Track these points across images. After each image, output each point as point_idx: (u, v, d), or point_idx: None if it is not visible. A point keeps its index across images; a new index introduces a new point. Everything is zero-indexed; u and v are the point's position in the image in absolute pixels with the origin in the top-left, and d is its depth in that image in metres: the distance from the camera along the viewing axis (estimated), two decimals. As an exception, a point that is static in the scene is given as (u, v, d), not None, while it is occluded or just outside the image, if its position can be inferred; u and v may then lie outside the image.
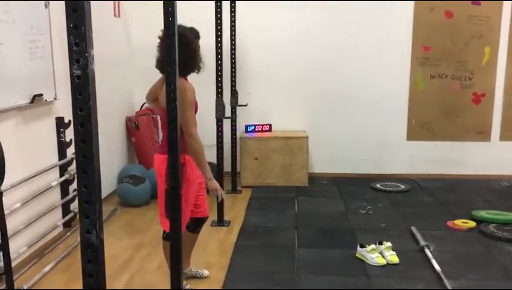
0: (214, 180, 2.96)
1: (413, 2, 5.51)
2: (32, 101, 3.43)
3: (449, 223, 4.19)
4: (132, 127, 5.48)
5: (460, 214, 4.39)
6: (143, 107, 5.74)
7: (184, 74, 2.91)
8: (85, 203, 1.45)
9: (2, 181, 1.68)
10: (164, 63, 2.83)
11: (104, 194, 4.91)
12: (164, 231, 2.96)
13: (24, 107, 3.39)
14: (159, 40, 2.89)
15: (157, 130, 5.70)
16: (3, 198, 2.62)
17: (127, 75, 5.62)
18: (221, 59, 4.14)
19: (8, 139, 3.12)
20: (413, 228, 3.97)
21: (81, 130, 1.39)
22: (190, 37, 2.87)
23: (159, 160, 2.83)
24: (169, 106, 2.49)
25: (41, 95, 3.52)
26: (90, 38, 1.34)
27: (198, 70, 3.01)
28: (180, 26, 2.93)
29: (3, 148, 2.91)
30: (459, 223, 4.15)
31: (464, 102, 5.68)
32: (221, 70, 4.12)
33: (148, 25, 5.64)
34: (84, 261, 1.43)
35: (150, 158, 5.42)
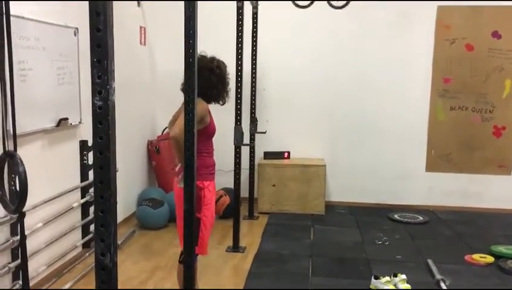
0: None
1: (433, 34, 5.56)
2: (58, 125, 3.57)
3: (467, 257, 4.14)
4: (153, 150, 5.60)
5: (479, 248, 4.32)
6: (164, 132, 5.87)
7: (207, 100, 3.00)
8: (101, 227, 1.53)
9: (24, 204, 1.77)
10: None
11: (123, 216, 5.01)
12: (181, 254, 3.01)
13: (50, 130, 3.53)
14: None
15: (178, 155, 5.81)
16: (26, 218, 2.72)
17: (150, 100, 5.78)
18: (241, 87, 4.24)
19: (34, 160, 3.26)
20: (430, 261, 3.94)
21: (100, 157, 1.48)
22: (215, 68, 2.98)
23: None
24: (186, 133, 2.58)
25: (66, 119, 3.66)
26: (112, 71, 1.44)
27: (224, 102, 3.11)
28: (207, 57, 3.06)
29: (30, 168, 3.04)
30: (477, 257, 4.09)
31: (485, 135, 5.65)
32: (240, 99, 4.22)
33: (172, 52, 5.85)
34: (98, 282, 1.50)
35: (169, 182, 5.54)
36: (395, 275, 3.51)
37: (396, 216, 5.32)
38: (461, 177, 5.67)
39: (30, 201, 3.21)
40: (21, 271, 2.58)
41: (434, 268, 3.79)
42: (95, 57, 1.46)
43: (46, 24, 3.41)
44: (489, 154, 5.64)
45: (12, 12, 2.99)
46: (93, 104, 1.47)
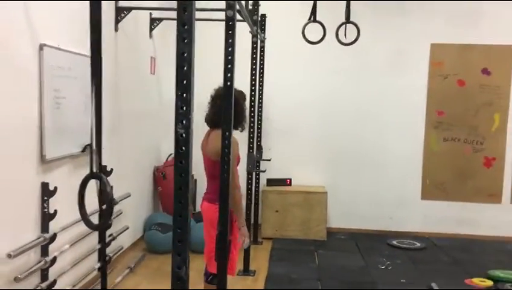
0: (245, 228, 3.20)
1: (427, 70, 5.92)
2: (83, 150, 3.71)
3: (467, 281, 4.36)
4: (160, 176, 5.74)
5: (476, 273, 4.55)
6: (169, 158, 6.02)
7: None
8: (178, 242, 1.71)
9: (109, 221, 1.91)
10: (213, 118, 3.20)
11: (132, 240, 5.09)
12: (208, 275, 3.15)
13: (76, 155, 3.66)
14: (210, 98, 3.22)
15: (182, 181, 5.96)
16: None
17: (156, 127, 5.94)
18: (253, 116, 4.45)
19: (62, 184, 3.38)
20: (433, 284, 4.14)
21: (180, 178, 1.69)
22: (239, 99, 3.19)
23: (211, 209, 3.06)
24: (223, 159, 2.77)
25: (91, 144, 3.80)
26: (193, 104, 1.64)
27: (242, 129, 3.32)
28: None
29: (59, 191, 3.19)
30: (477, 281, 4.31)
31: (476, 165, 5.96)
32: (253, 128, 4.43)
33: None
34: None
35: (175, 207, 5.67)
36: (404, 297, 3.70)
37: (395, 242, 5.53)
38: (455, 206, 5.95)
39: (58, 223, 3.34)
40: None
41: (438, 291, 4.00)
42: (180, 90, 1.67)
43: (76, 54, 3.58)
44: (480, 183, 5.95)
45: (50, 43, 3.19)
46: (176, 132, 1.67)
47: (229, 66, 2.71)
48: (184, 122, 1.67)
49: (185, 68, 1.66)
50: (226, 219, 2.75)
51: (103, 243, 1.87)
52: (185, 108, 1.66)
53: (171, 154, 6.05)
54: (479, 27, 5.81)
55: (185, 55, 1.65)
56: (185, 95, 1.67)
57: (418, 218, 5.98)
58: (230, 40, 2.68)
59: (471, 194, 5.95)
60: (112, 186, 1.88)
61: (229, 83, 2.72)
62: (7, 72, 2.81)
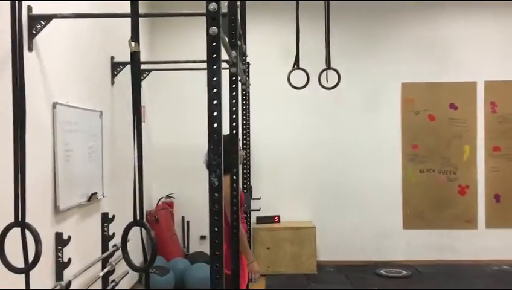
0: (255, 263, 3.40)
1: (400, 107, 6.36)
2: (89, 199, 3.88)
3: (455, 304, 4.64)
4: (152, 220, 5.88)
5: (463, 297, 4.84)
6: (160, 202, 6.19)
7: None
8: (215, 278, 1.93)
9: (152, 264, 2.10)
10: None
11: (128, 286, 5.18)
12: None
13: (83, 205, 3.83)
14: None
15: (173, 223, 6.14)
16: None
17: (146, 172, 6.10)
18: (246, 159, 4.73)
19: (72, 233, 3.54)
20: (424, 309, 4.40)
21: (215, 221, 1.93)
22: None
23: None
24: (232, 201, 3.01)
25: (96, 193, 3.99)
26: (222, 155, 1.89)
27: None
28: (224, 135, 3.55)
29: (71, 241, 3.34)
30: (464, 304, 4.60)
31: (451, 193, 6.35)
32: (247, 169, 4.69)
33: (166, 128, 6.35)
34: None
35: (169, 250, 5.82)
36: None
37: (382, 271, 5.80)
38: (435, 233, 6.29)
39: (70, 271, 3.48)
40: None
41: (429, 315, 4.25)
42: (213, 144, 1.93)
43: (81, 109, 3.81)
44: (456, 211, 6.32)
45: (59, 100, 3.41)
46: (210, 180, 1.92)
47: (234, 116, 2.99)
48: (217, 172, 1.92)
49: (215, 125, 1.91)
50: (238, 259, 2.97)
51: (147, 285, 2.06)
52: (216, 160, 1.92)
53: (161, 197, 6.23)
54: (444, 66, 6.33)
55: (215, 114, 1.91)
56: (216, 148, 1.92)
57: (402, 247, 6.28)
58: (234, 93, 2.97)
59: (449, 222, 6.31)
60: (153, 231, 2.09)
61: (234, 131, 3.00)
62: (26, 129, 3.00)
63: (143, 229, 2.01)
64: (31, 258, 2.11)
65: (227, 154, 3.19)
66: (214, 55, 1.90)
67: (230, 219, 2.98)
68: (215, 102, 1.89)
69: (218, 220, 1.95)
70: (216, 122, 1.90)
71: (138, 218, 1.96)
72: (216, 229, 1.98)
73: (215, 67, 1.90)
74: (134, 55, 1.99)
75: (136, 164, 2.11)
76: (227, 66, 2.95)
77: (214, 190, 1.91)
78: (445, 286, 5.27)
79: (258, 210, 5.54)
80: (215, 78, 1.89)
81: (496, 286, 5.21)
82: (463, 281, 5.50)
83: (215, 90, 1.89)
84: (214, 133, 1.91)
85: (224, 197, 3.16)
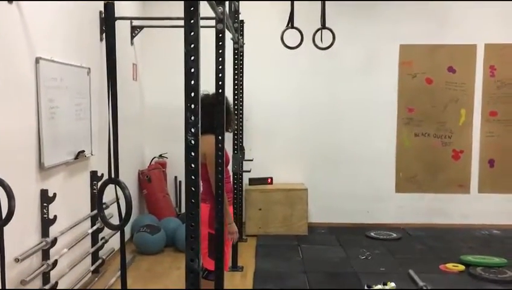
0: (233, 224, 3.39)
1: (397, 70, 6.25)
2: (76, 157, 3.85)
3: (441, 266, 4.68)
4: (144, 179, 5.88)
5: (450, 258, 4.88)
6: (152, 162, 6.17)
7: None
8: (191, 238, 1.91)
9: (127, 223, 2.07)
10: (202, 124, 3.37)
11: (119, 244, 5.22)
12: (204, 271, 3.34)
13: (71, 163, 3.80)
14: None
15: (166, 183, 6.14)
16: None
17: (139, 132, 6.08)
18: (238, 119, 4.66)
19: (58, 191, 3.52)
20: (411, 271, 4.44)
21: (191, 180, 1.89)
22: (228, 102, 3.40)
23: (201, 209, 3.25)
24: (216, 162, 2.97)
25: (83, 151, 3.95)
26: (200, 114, 1.83)
27: (232, 130, 3.53)
28: (210, 94, 3.47)
29: (57, 198, 3.32)
30: (451, 266, 4.64)
31: (445, 158, 6.32)
32: (238, 130, 4.64)
33: (159, 87, 6.25)
34: (188, 283, 1.86)
35: (161, 209, 5.84)
36: (385, 284, 3.99)
37: (372, 234, 5.83)
38: (427, 197, 6.30)
39: (57, 228, 3.48)
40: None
41: (416, 277, 4.29)
42: (189, 102, 1.87)
43: (68, 65, 3.72)
44: (450, 175, 6.31)
45: (43, 55, 3.32)
46: (186, 139, 1.87)
47: (220, 74, 2.91)
48: (193, 130, 1.86)
49: (193, 82, 1.84)
50: (222, 218, 2.95)
51: (122, 244, 2.04)
52: (193, 118, 1.86)
53: (154, 157, 6.20)
54: (444, 28, 6.17)
55: (192, 70, 1.83)
56: (193, 106, 1.86)
57: (393, 210, 6.30)
58: (220, 51, 2.88)
59: (442, 186, 6.31)
60: (128, 190, 2.05)
61: (220, 90, 2.93)
62: (7, 84, 2.93)
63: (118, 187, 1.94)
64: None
65: (213, 114, 3.15)
66: (192, 8, 1.82)
67: (214, 179, 2.95)
68: (192, 58, 1.82)
69: (194, 179, 1.90)
70: (193, 79, 1.83)
71: (113, 176, 1.91)
72: (193, 188, 1.93)
73: (192, 21, 1.83)
74: (108, 6, 1.90)
75: (111, 122, 2.05)
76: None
77: (190, 149, 1.86)
78: (433, 248, 5.31)
79: (249, 171, 5.52)
80: (192, 33, 1.81)
81: (482, 248, 5.25)
82: (451, 243, 5.54)
83: (192, 45, 1.82)
84: (191, 90, 1.84)
85: (209, 157, 3.15)
